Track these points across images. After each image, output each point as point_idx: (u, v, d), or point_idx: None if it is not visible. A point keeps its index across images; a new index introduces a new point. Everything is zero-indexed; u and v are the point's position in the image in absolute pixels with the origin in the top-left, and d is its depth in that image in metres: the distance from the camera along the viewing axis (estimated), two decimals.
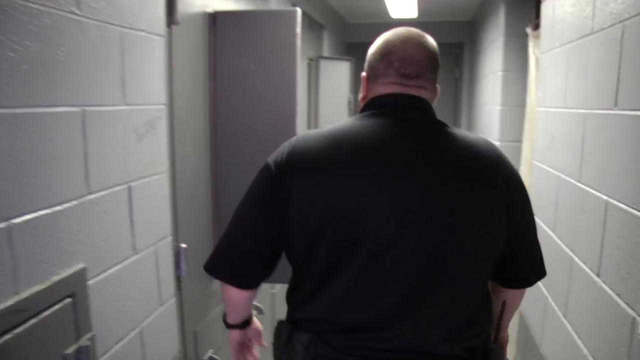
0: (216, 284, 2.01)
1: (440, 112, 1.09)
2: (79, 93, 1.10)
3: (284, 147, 1.12)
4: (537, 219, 1.88)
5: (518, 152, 2.78)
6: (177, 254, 1.66)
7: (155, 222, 1.48)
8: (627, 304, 1.09)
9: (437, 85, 1.13)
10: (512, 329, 2.30)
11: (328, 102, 3.95)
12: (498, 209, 1.03)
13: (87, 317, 1.17)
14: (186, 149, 1.72)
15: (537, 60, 2.57)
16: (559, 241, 1.60)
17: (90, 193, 1.16)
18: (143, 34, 1.34)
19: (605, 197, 1.25)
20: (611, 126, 1.24)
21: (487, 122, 3.49)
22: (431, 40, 1.13)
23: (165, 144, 1.50)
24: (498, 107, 3.08)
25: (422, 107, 1.09)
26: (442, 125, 1.08)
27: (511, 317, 1.25)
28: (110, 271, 1.26)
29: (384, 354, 1.01)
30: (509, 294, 1.17)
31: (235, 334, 1.29)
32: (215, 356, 1.92)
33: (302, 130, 3.50)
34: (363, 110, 1.14)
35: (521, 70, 2.92)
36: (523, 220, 1.08)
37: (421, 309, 1.00)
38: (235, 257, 1.13)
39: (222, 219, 1.92)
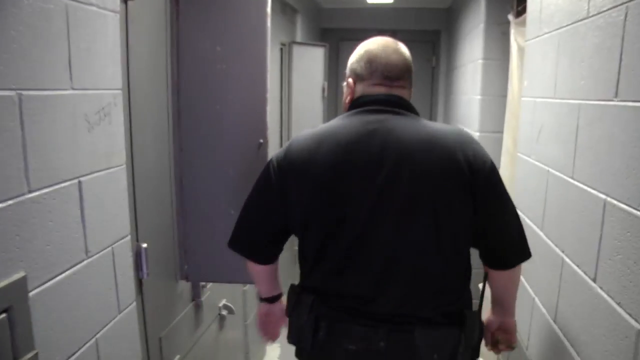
0: (182, 285, 1.88)
1: (416, 101, 1.21)
2: (14, 74, 0.95)
3: (285, 146, 1.33)
4: (523, 215, 1.81)
5: (499, 143, 2.71)
6: (138, 254, 1.53)
7: (112, 221, 1.34)
8: (630, 314, 1.01)
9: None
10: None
11: (301, 90, 3.82)
12: (459, 187, 1.20)
13: (27, 333, 1.02)
14: (147, 139, 1.57)
15: (520, 48, 2.49)
16: (547, 240, 1.52)
17: (31, 191, 1.01)
18: (94, 8, 1.18)
19: (602, 196, 1.16)
20: (610, 118, 1.15)
21: (466, 112, 3.42)
22: (405, 48, 1.37)
23: (121, 134, 1.35)
24: (478, 97, 3.01)
25: (401, 103, 1.30)
26: (417, 119, 1.29)
27: (509, 300, 1.39)
28: (58, 279, 1.11)
29: (375, 315, 1.24)
30: (496, 274, 1.34)
31: (263, 307, 1.54)
32: None
33: (273, 119, 3.36)
34: (350, 108, 1.33)
35: (502, 58, 2.84)
36: (492, 201, 1.24)
37: (399, 280, 1.22)
38: (251, 238, 1.40)
39: (188, 214, 1.78)
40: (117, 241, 1.37)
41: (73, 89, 1.11)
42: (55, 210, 1.09)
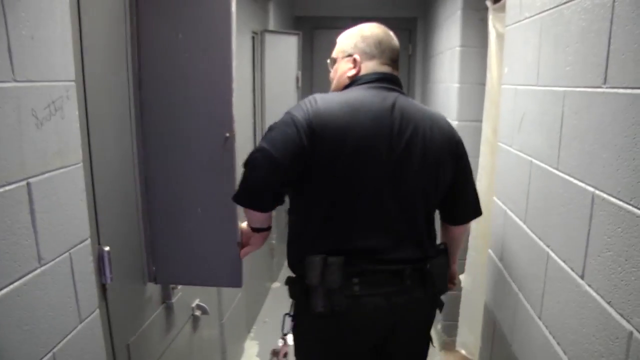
0: (151, 287, 1.79)
1: None
2: None
3: (309, 105, 1.46)
4: (504, 207, 1.77)
5: (478, 132, 2.67)
6: (100, 258, 1.43)
7: (69, 224, 1.24)
8: (621, 315, 0.96)
9: None
10: (479, 320, 2.20)
11: (275, 80, 3.72)
12: (451, 157, 1.56)
13: None
14: (106, 134, 1.47)
15: (498, 35, 2.44)
16: (531, 234, 1.47)
17: None
18: None
19: (591, 189, 1.11)
20: (599, 106, 1.09)
21: (444, 100, 3.37)
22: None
23: (76, 129, 1.25)
24: (456, 85, 2.95)
25: (401, 83, 1.60)
26: (411, 98, 1.59)
27: (457, 250, 1.80)
28: (4, 291, 1.01)
29: (396, 262, 1.49)
30: (455, 229, 1.74)
31: (249, 232, 1.64)
32: None
33: (246, 110, 3.25)
34: (356, 82, 1.55)
35: (480, 45, 2.79)
36: (463, 168, 1.61)
37: (413, 230, 1.52)
38: (261, 193, 1.47)
39: (154, 213, 1.68)
40: (75, 245, 1.27)
41: (15, 80, 1.00)
42: (0, 216, 0.99)
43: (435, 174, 1.53)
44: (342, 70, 1.59)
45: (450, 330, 3.16)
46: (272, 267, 4.17)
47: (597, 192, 1.08)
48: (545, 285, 1.34)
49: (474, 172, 1.69)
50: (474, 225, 2.58)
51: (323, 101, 1.47)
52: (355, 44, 1.56)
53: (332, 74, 1.65)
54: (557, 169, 1.30)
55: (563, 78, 1.29)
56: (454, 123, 2.99)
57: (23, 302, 1.07)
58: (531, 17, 1.54)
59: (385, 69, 1.56)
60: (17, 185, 1.04)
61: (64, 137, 1.19)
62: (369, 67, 1.55)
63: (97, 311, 1.39)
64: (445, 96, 3.33)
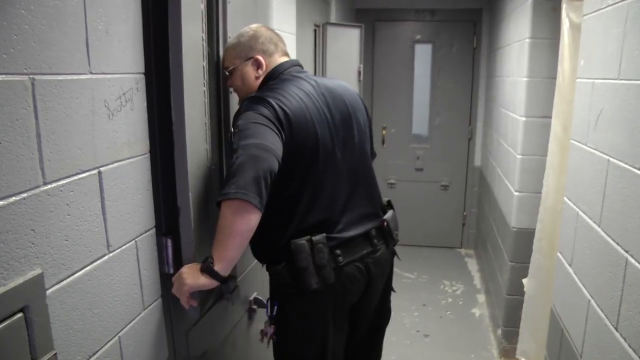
0: None
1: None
2: (25, 57, 0.89)
3: (273, 101, 1.51)
4: (575, 208, 1.69)
5: (547, 128, 2.55)
6: (163, 248, 1.48)
7: (135, 213, 1.29)
8: None
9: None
10: (542, 328, 2.12)
11: (337, 73, 3.72)
12: (365, 111, 1.80)
13: (46, 333, 0.98)
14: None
15: (573, 25, 2.32)
16: (607, 237, 1.39)
17: (46, 183, 0.96)
18: None
19: None
20: None
21: (510, 95, 3.25)
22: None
23: (144, 121, 1.30)
24: (524, 79, 2.84)
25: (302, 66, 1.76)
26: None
27: None
28: (77, 275, 1.07)
29: (360, 221, 1.69)
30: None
31: (209, 283, 1.43)
32: None
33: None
34: (272, 75, 1.65)
35: (552, 37, 2.67)
36: (371, 124, 1.85)
37: (366, 189, 1.73)
38: (262, 181, 1.37)
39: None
40: (141, 234, 1.32)
41: (91, 73, 1.05)
42: (73, 203, 1.04)
43: (364, 129, 1.75)
44: (248, 73, 1.65)
45: (511, 336, 3.06)
46: None
47: None
48: (623, 293, 1.27)
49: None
50: (539, 226, 2.48)
51: (275, 99, 1.52)
52: (251, 46, 1.65)
53: (236, 82, 1.67)
54: (638, 167, 1.22)
55: None
56: (521, 119, 2.88)
57: (93, 287, 1.13)
58: (615, 4, 1.46)
59: (286, 58, 1.72)
60: (90, 173, 1.09)
61: (133, 128, 1.24)
62: (272, 61, 1.67)
63: (160, 300, 1.44)
64: (512, 91, 3.21)
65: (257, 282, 2.26)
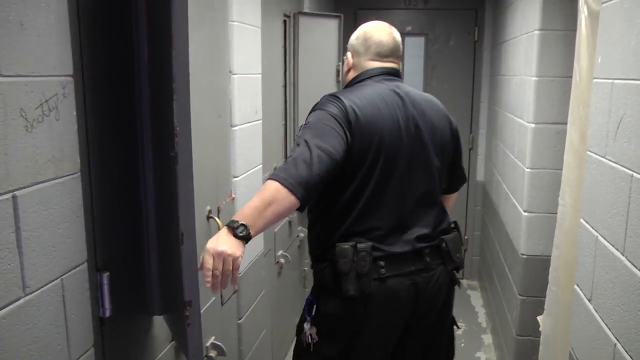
0: (158, 321, 1.78)
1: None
2: None
3: (345, 102, 1.88)
4: (594, 232, 1.70)
5: (562, 137, 2.59)
6: (97, 286, 1.44)
7: (61, 245, 1.26)
8: None
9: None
10: None
11: (311, 71, 3.73)
12: (451, 137, 2.11)
13: None
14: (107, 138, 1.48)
15: (591, 14, 2.36)
16: (632, 267, 1.40)
17: None
18: None
19: None
20: None
21: (517, 97, 3.30)
22: (396, 31, 2.15)
23: (74, 133, 1.27)
24: (533, 78, 2.89)
25: (398, 74, 2.12)
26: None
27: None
28: None
29: (413, 240, 1.97)
30: (450, 197, 2.27)
31: (239, 247, 1.58)
32: None
33: (276, 107, 3.26)
34: (359, 77, 2.08)
35: (566, 28, 2.72)
36: (459, 146, 2.19)
37: (427, 209, 2.02)
38: (319, 184, 1.73)
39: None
40: (69, 271, 1.29)
41: (1, 75, 1.02)
42: None
43: (441, 151, 2.03)
44: (345, 64, 2.16)
45: None
46: (303, 299, 4.15)
47: None
48: None
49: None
50: (555, 253, 2.50)
51: (349, 100, 1.89)
52: (353, 43, 2.13)
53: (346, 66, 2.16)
54: None
55: None
56: (530, 126, 2.92)
57: (2, 339, 1.09)
58: None
59: (386, 64, 2.08)
60: (1, 198, 1.06)
61: (58, 142, 1.21)
62: (364, 64, 2.08)
63: (92, 350, 1.41)
64: (519, 92, 3.26)
65: (215, 323, 2.23)
